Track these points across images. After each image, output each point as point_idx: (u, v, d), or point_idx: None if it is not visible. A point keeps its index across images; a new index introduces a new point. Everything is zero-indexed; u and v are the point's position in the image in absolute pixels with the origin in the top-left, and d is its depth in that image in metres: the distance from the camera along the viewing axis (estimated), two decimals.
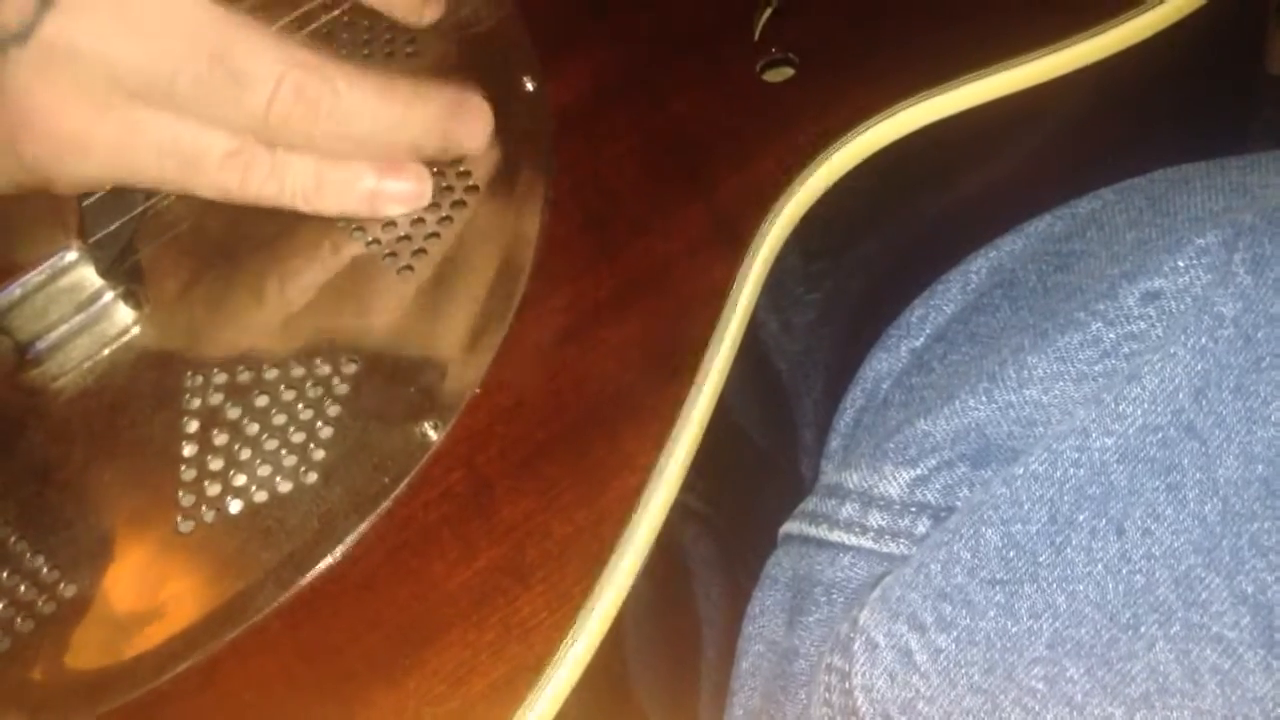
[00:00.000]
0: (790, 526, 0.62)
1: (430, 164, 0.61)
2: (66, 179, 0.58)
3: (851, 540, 0.58)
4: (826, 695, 0.55)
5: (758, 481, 0.64)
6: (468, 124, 0.60)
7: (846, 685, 0.54)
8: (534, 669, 0.48)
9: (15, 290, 0.57)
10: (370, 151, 0.59)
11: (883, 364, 0.65)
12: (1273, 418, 0.50)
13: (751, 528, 0.63)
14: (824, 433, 0.66)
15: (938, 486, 0.57)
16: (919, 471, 0.57)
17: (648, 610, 0.54)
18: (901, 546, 0.57)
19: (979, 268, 0.64)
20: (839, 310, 0.65)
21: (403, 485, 0.52)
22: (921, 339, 0.64)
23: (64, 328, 0.59)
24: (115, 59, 0.54)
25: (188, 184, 0.57)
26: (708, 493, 0.57)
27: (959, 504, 0.56)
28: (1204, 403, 0.50)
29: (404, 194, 0.60)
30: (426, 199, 0.60)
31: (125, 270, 0.61)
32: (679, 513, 0.54)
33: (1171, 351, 0.51)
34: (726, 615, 0.62)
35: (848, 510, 0.59)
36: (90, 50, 0.54)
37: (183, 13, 0.55)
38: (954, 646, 0.52)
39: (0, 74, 0.54)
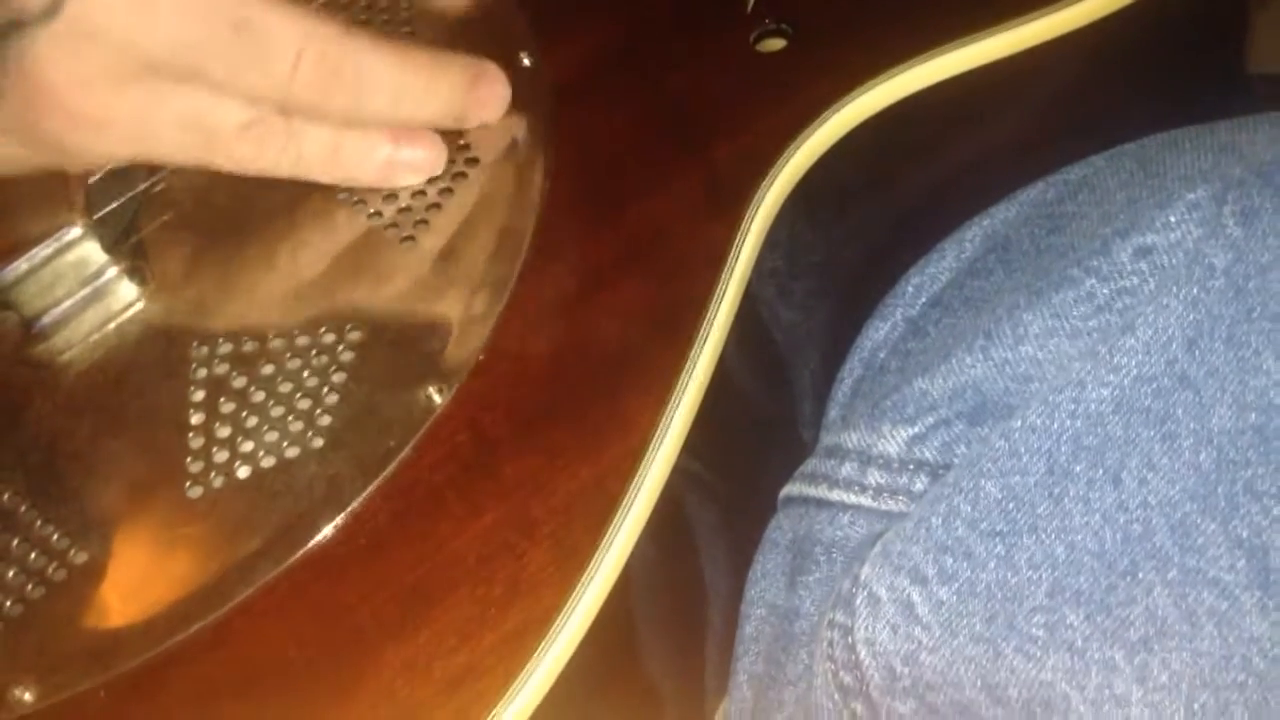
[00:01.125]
0: (790, 488, 0.62)
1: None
2: (85, 156, 0.58)
3: (851, 499, 0.59)
4: (829, 651, 0.56)
5: (759, 449, 0.64)
6: (486, 94, 0.60)
7: (849, 640, 0.55)
8: (542, 622, 0.48)
9: (21, 265, 0.58)
10: (390, 121, 0.59)
11: (879, 333, 0.65)
12: (1264, 366, 0.50)
13: (754, 495, 0.63)
14: (822, 404, 0.66)
15: (935, 444, 0.57)
16: (916, 429, 0.58)
17: (653, 577, 0.55)
18: (900, 504, 0.58)
19: (973, 235, 0.65)
20: (834, 280, 0.66)
21: (408, 448, 0.53)
22: (917, 307, 0.65)
23: (69, 303, 0.59)
24: (138, 34, 0.54)
25: (206, 157, 0.57)
26: (710, 460, 0.58)
27: (956, 461, 0.57)
28: (1197, 353, 0.51)
29: (420, 162, 0.60)
30: (441, 166, 0.60)
31: (130, 246, 0.61)
32: (683, 479, 0.54)
33: (1164, 303, 0.52)
34: (731, 583, 0.62)
35: (847, 469, 0.59)
36: (113, 26, 0.54)
37: None
38: (955, 598, 0.52)
39: (23, 52, 0.54)
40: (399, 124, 0.60)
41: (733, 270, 0.56)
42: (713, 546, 0.61)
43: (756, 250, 0.57)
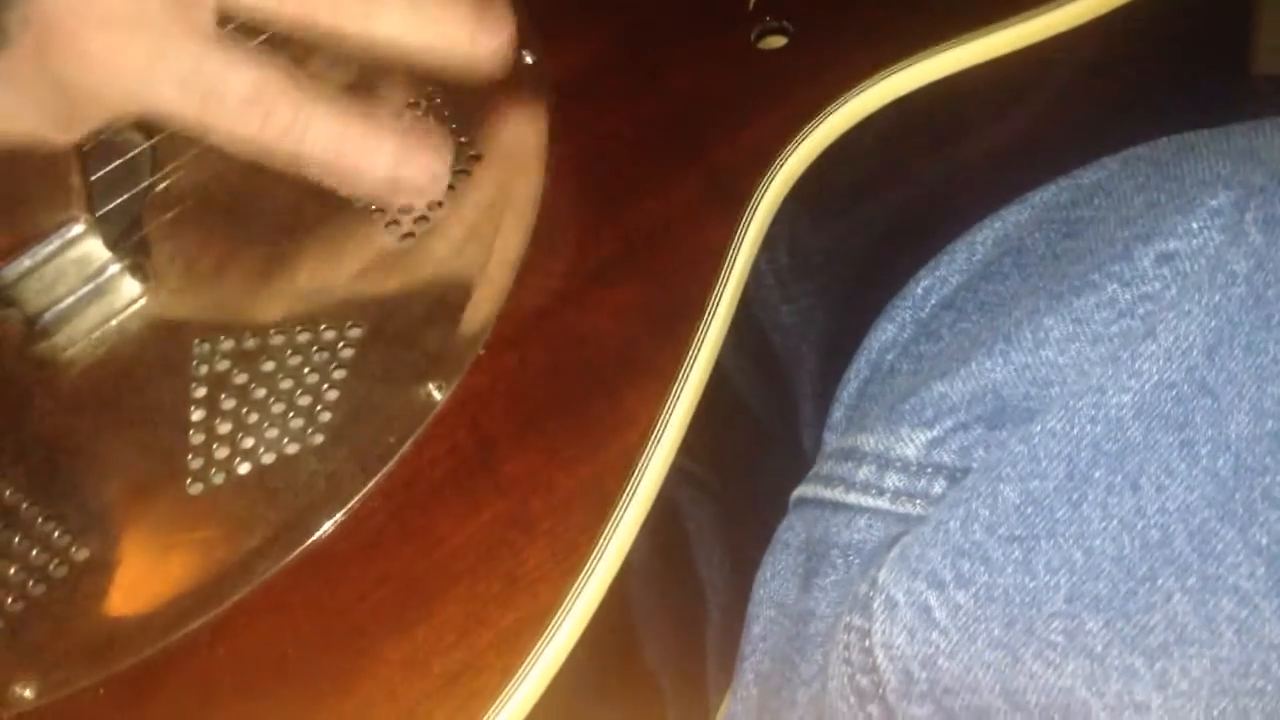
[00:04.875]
0: (804, 490, 0.61)
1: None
2: (93, 103, 0.57)
3: (868, 502, 0.58)
4: (846, 654, 0.55)
5: (758, 448, 0.64)
6: (490, 36, 0.59)
7: (866, 643, 0.54)
8: (541, 618, 0.48)
9: (24, 262, 0.57)
10: (398, 48, 0.58)
11: (887, 334, 0.65)
12: None
13: (752, 494, 0.63)
14: (823, 404, 0.66)
15: (954, 448, 0.57)
16: (935, 433, 0.57)
17: (651, 573, 0.55)
18: (918, 507, 0.57)
19: (984, 238, 0.64)
20: (834, 281, 0.65)
21: (408, 445, 0.53)
22: (927, 309, 0.64)
23: (72, 299, 0.59)
24: None
25: (205, 119, 0.56)
26: (708, 459, 0.58)
27: (975, 464, 0.56)
28: (1217, 359, 0.50)
29: (419, 185, 0.59)
30: (442, 191, 0.59)
31: (133, 243, 0.61)
32: (680, 478, 0.54)
33: (1186, 309, 0.51)
34: (729, 579, 0.62)
35: (864, 472, 0.58)
36: None
37: None
38: (973, 603, 0.52)
39: None
40: (405, 49, 0.58)
41: (732, 268, 0.56)
42: (710, 544, 0.60)
43: (755, 249, 0.57)
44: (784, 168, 0.58)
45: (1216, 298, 0.51)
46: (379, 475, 0.52)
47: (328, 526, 0.51)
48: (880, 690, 0.54)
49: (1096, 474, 0.51)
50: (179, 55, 0.56)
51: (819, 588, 0.59)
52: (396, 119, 0.60)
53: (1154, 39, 0.64)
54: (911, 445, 0.58)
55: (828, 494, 0.60)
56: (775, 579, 0.62)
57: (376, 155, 0.58)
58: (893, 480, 0.58)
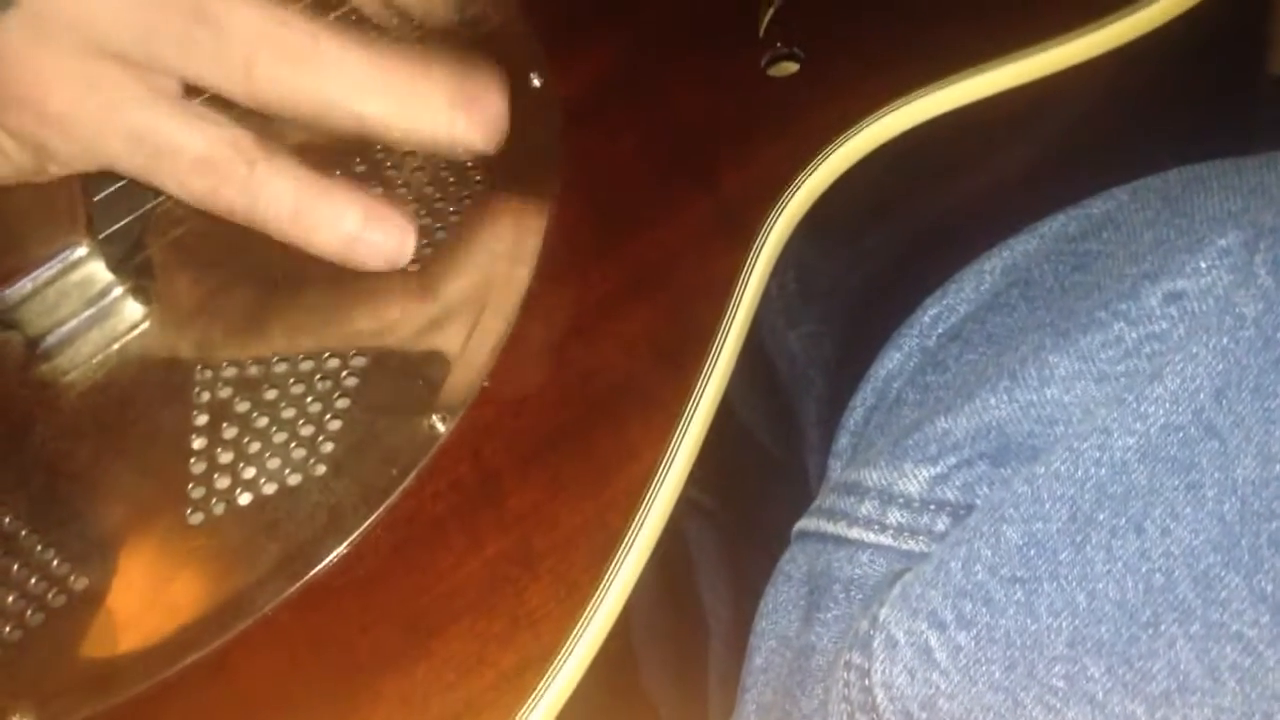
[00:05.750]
0: (806, 523, 0.61)
1: (439, 166, 0.60)
2: (53, 157, 0.58)
3: (871, 537, 0.58)
4: (845, 692, 0.55)
5: (763, 477, 0.64)
6: (478, 111, 0.59)
7: (866, 682, 0.54)
8: (543, 659, 0.48)
9: (26, 285, 0.57)
10: (366, 128, 0.57)
11: (894, 363, 0.64)
12: None
13: (757, 524, 0.63)
14: (830, 430, 0.66)
15: (957, 484, 0.57)
16: (939, 469, 0.57)
17: (654, 603, 0.54)
18: (921, 544, 0.57)
19: (992, 267, 0.64)
20: (842, 308, 0.65)
21: (410, 477, 0.52)
22: (934, 339, 0.64)
23: (74, 323, 0.59)
24: (95, 16, 0.55)
25: (156, 178, 0.57)
26: (713, 487, 0.57)
27: (978, 502, 0.56)
28: (1224, 403, 0.50)
29: (383, 249, 0.58)
30: (405, 261, 0.58)
31: (134, 266, 0.61)
32: (684, 506, 0.54)
33: (1193, 351, 0.51)
34: (732, 610, 0.62)
35: (867, 507, 0.58)
36: (73, 10, 0.54)
37: None
38: (974, 644, 0.52)
39: None
40: (375, 133, 0.58)
41: (740, 299, 0.55)
42: (714, 574, 0.60)
43: (764, 279, 0.57)
44: (794, 198, 0.57)
45: (1224, 340, 0.51)
46: (381, 508, 0.52)
47: (329, 559, 0.51)
48: None
49: (1100, 516, 0.51)
50: (132, 113, 0.56)
51: (820, 622, 0.59)
52: (360, 185, 0.59)
53: (1170, 59, 0.64)
54: (915, 481, 0.57)
55: (830, 528, 0.60)
56: (777, 611, 0.62)
57: (335, 218, 0.58)
58: (895, 516, 0.58)
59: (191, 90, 0.57)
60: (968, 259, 0.65)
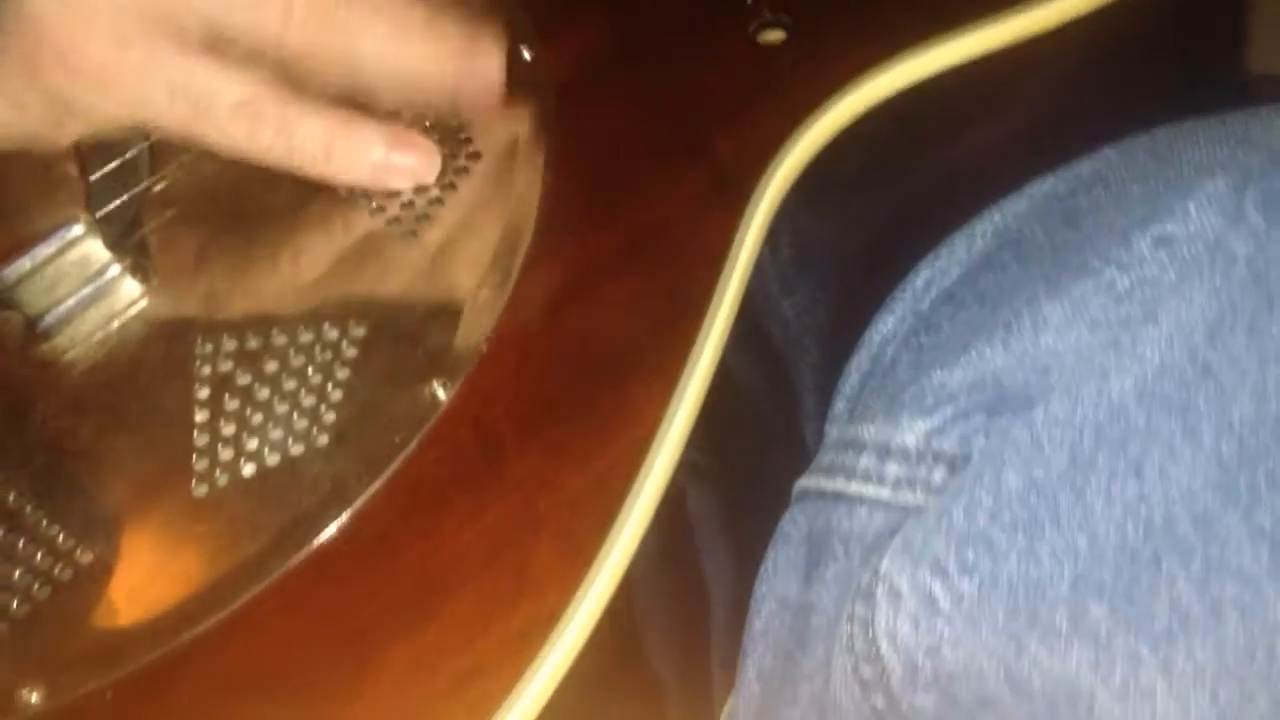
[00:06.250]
0: (805, 482, 0.62)
1: (431, 127, 0.61)
2: (87, 114, 0.58)
3: (869, 491, 0.58)
4: (849, 644, 0.55)
5: (762, 440, 0.64)
6: (480, 65, 0.60)
7: (869, 633, 0.54)
8: (549, 620, 0.48)
9: (25, 263, 0.58)
10: (382, 81, 0.59)
11: (887, 326, 0.65)
12: None
13: (757, 487, 0.63)
14: (826, 397, 0.66)
15: (954, 436, 0.57)
16: (936, 421, 0.57)
17: (656, 570, 0.55)
18: (919, 496, 0.57)
19: (984, 229, 0.64)
20: (835, 273, 0.66)
21: (413, 444, 0.53)
22: (927, 302, 0.64)
23: (73, 301, 0.59)
24: None
25: (197, 128, 0.57)
26: (714, 450, 0.58)
27: (975, 453, 0.56)
28: (1218, 343, 0.50)
29: (411, 169, 0.60)
30: (434, 175, 0.60)
31: (133, 244, 0.61)
32: (685, 472, 0.54)
33: (1186, 293, 0.51)
34: (733, 574, 0.62)
35: (865, 461, 0.58)
36: None
37: None
38: (977, 591, 0.52)
39: (22, 5, 0.55)
40: (393, 85, 0.59)
41: (736, 261, 0.55)
42: (715, 538, 0.61)
43: (759, 242, 0.57)
44: (785, 161, 0.58)
45: (1216, 280, 0.51)
46: (384, 475, 0.52)
47: (333, 528, 0.51)
48: (884, 680, 0.55)
49: (1099, 459, 0.51)
50: (169, 66, 0.56)
51: (820, 580, 0.60)
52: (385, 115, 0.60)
53: (1152, 29, 0.64)
54: (912, 434, 0.58)
55: (829, 485, 0.60)
56: (777, 573, 0.62)
57: (365, 148, 0.59)
58: (893, 469, 0.58)
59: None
60: (960, 223, 0.65)
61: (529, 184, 0.59)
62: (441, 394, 0.53)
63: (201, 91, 0.57)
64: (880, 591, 0.54)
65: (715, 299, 0.54)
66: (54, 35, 0.56)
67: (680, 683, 0.61)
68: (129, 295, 0.60)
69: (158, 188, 0.63)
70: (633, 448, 0.51)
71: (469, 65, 0.60)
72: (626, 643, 0.54)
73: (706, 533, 0.60)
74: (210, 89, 0.57)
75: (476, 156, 0.61)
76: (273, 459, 0.54)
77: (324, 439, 0.54)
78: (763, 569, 0.63)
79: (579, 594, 0.48)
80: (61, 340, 0.59)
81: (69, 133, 0.59)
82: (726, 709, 0.62)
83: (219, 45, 0.58)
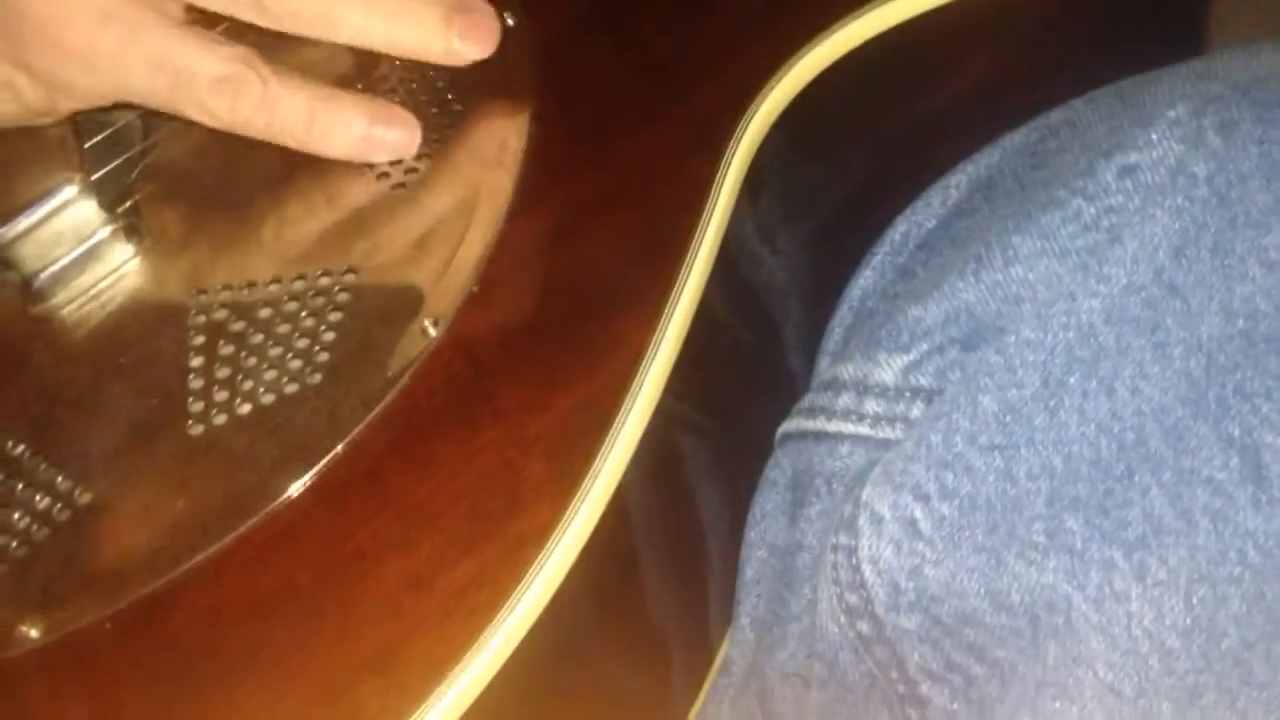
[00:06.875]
0: (788, 425, 0.63)
1: (418, 88, 0.62)
2: (70, 92, 0.59)
3: (849, 429, 0.59)
4: (834, 574, 0.56)
5: (751, 397, 0.65)
6: (469, 29, 0.61)
7: (853, 560, 0.55)
8: (541, 534, 0.49)
9: (20, 223, 0.59)
10: (367, 41, 0.60)
11: (868, 281, 0.66)
12: (1249, 273, 0.51)
13: (747, 439, 0.64)
14: (811, 355, 0.67)
15: (930, 370, 0.58)
16: (912, 356, 0.58)
17: (653, 513, 0.56)
18: (898, 431, 0.58)
19: (958, 181, 0.66)
20: (816, 231, 0.67)
21: (405, 378, 0.54)
22: (905, 254, 0.65)
23: (68, 260, 0.60)
24: None
25: (177, 102, 0.58)
26: (704, 405, 0.59)
27: (950, 384, 0.57)
28: (1184, 262, 0.52)
29: (393, 143, 0.61)
30: (414, 149, 0.61)
31: (127, 206, 0.62)
32: (675, 423, 0.55)
33: (1150, 214, 0.53)
34: (728, 525, 0.63)
35: (844, 400, 0.59)
36: None
37: None
38: (957, 512, 0.53)
39: None
40: (376, 46, 0.60)
41: (716, 199, 0.57)
42: (709, 492, 0.61)
43: (739, 181, 0.58)
44: (764, 105, 0.59)
45: (1179, 201, 0.52)
46: (378, 408, 0.53)
47: (329, 459, 0.52)
48: (869, 605, 0.55)
49: (1071, 380, 0.52)
50: (149, 42, 0.58)
51: (805, 519, 0.61)
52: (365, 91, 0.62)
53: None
54: (889, 370, 0.59)
55: (810, 425, 0.61)
56: (765, 519, 0.63)
57: (346, 121, 0.60)
58: (872, 406, 0.59)
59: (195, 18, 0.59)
60: (937, 178, 0.67)
61: (515, 137, 0.60)
62: (433, 330, 0.54)
63: (181, 67, 0.58)
64: (862, 519, 0.55)
65: (698, 234, 0.56)
66: (36, 14, 0.57)
67: (680, 632, 0.61)
68: (123, 254, 0.61)
69: (152, 153, 0.64)
70: (620, 373, 0.52)
71: (458, 17, 0.61)
72: (620, 572, 0.55)
73: (702, 483, 0.61)
74: (190, 65, 0.58)
75: (463, 115, 0.62)
76: (267, 398, 0.55)
77: (318, 378, 0.54)
78: (750, 516, 0.64)
79: (570, 509, 0.49)
80: (59, 299, 0.60)
81: (60, 110, 0.61)
82: (721, 654, 0.63)
83: (200, 21, 0.59)
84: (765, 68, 0.60)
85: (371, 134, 0.60)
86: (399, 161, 0.61)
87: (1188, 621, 0.50)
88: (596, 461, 0.50)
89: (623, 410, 0.52)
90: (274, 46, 0.60)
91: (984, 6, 0.62)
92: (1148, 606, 0.50)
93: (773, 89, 0.60)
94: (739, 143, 0.58)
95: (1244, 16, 0.82)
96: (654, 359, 0.53)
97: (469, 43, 0.61)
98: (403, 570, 0.49)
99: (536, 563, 0.49)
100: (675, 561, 0.61)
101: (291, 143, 0.60)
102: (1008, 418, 0.53)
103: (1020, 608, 0.52)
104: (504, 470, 0.51)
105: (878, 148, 0.67)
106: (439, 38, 0.60)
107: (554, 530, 0.49)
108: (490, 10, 0.61)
